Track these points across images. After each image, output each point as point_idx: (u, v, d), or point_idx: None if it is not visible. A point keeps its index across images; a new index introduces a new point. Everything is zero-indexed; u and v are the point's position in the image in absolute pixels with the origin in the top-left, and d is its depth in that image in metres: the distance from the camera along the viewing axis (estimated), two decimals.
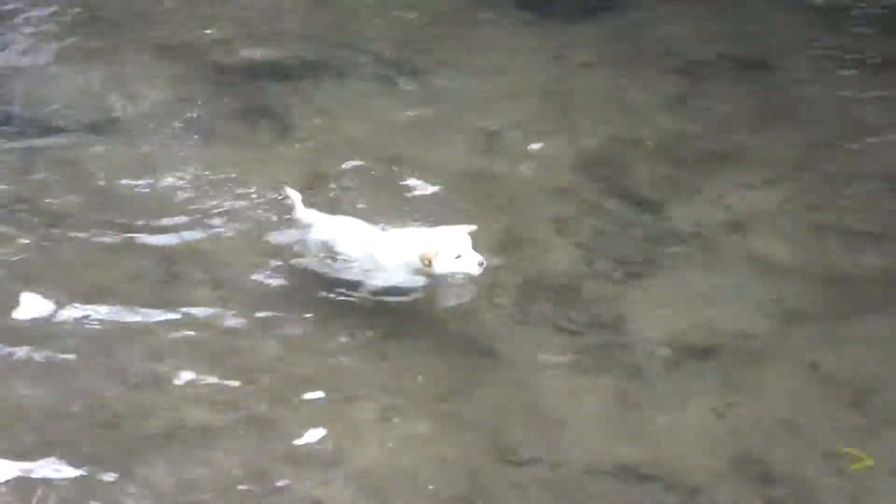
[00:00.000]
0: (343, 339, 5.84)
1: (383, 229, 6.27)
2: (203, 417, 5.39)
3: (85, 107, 7.92)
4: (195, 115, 7.82)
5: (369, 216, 6.48)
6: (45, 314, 5.97)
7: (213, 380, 5.59)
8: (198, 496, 4.99)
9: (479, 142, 7.54)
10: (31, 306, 6.02)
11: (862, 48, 8.50)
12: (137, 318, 5.93)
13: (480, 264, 5.76)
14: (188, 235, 6.51)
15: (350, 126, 7.73)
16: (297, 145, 7.50)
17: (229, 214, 6.70)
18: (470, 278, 5.91)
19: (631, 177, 7.11)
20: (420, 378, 5.62)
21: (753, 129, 7.58)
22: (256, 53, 8.67)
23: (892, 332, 5.86)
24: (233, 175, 7.05)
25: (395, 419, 5.39)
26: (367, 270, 6.05)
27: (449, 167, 7.17)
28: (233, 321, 5.95)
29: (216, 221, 6.64)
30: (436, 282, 5.96)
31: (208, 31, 8.98)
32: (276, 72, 8.39)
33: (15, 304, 6.03)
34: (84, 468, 5.10)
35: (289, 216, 6.56)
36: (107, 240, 6.51)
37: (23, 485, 5.01)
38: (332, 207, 6.64)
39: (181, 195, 6.90)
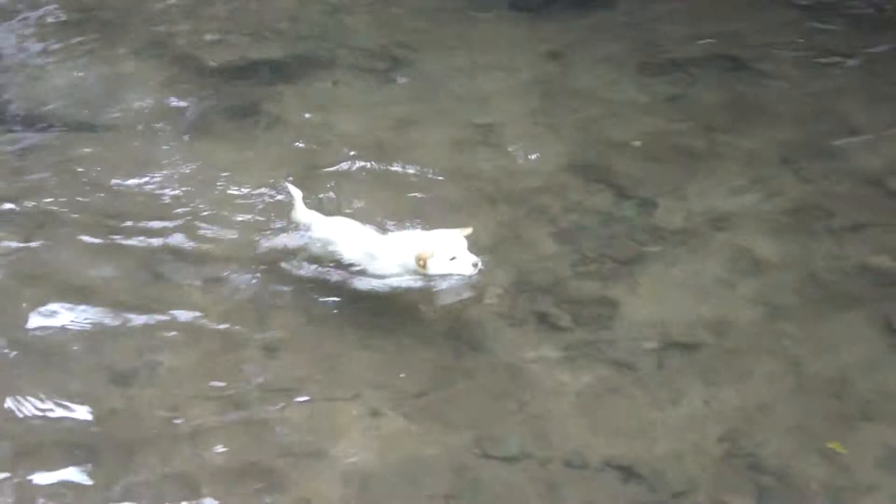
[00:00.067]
0: (331, 338, 5.85)
1: (378, 228, 6.31)
2: (192, 417, 5.41)
3: (77, 106, 7.92)
4: (187, 114, 7.82)
5: (362, 213, 6.51)
6: (35, 313, 5.96)
7: (202, 379, 5.61)
8: (187, 495, 5.02)
9: (470, 138, 7.56)
10: (22, 306, 6.01)
11: (847, 46, 8.51)
12: (128, 318, 5.94)
13: (475, 265, 5.82)
14: (179, 234, 6.50)
15: (343, 122, 7.74)
16: (289, 142, 7.50)
17: (220, 213, 6.68)
18: (465, 279, 5.94)
19: (619, 173, 7.13)
20: (403, 375, 5.63)
21: (739, 126, 7.59)
22: (249, 51, 8.68)
23: (872, 325, 5.90)
24: (225, 173, 7.04)
25: (382, 416, 5.41)
26: (364, 270, 6.09)
27: (440, 163, 7.18)
28: (222, 321, 5.95)
29: (207, 220, 6.62)
30: (431, 282, 5.98)
31: (200, 30, 8.98)
32: (269, 69, 8.40)
33: (4, 303, 6.04)
34: (76, 468, 5.13)
35: (280, 216, 6.55)
36: (97, 239, 6.50)
37: (14, 486, 5.03)
38: (325, 204, 6.66)
39: (173, 194, 6.89)
